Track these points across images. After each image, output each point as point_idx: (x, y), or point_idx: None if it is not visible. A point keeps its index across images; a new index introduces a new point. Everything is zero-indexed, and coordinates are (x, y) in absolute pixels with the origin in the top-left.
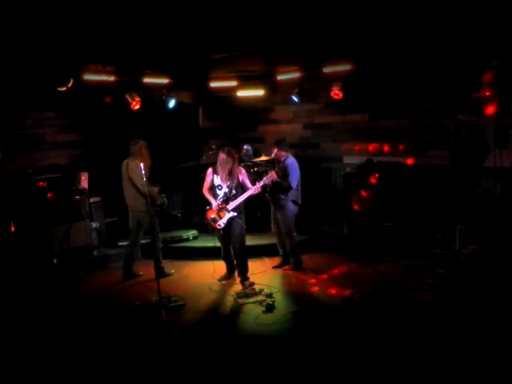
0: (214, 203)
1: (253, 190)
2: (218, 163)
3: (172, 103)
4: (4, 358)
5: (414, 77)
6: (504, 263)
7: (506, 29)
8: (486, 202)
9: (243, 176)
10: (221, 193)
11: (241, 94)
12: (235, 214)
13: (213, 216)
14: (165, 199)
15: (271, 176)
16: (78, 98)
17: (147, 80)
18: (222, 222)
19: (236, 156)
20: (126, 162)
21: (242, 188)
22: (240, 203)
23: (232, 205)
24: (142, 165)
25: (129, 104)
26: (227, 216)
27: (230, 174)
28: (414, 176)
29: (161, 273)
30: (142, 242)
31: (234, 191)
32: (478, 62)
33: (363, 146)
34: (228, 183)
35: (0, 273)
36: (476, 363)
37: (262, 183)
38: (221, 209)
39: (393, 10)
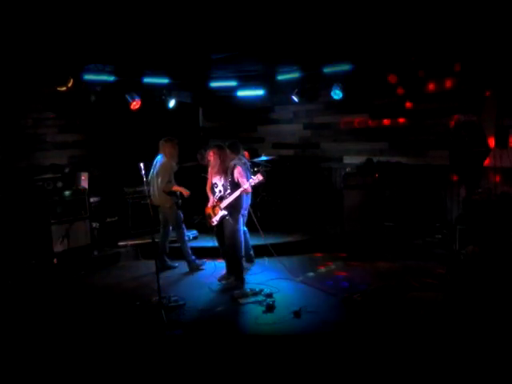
0: (211, 200)
1: (241, 188)
2: (210, 162)
3: (172, 103)
4: (4, 357)
5: (413, 76)
6: (504, 263)
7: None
8: (486, 201)
9: (239, 174)
10: (217, 191)
11: (241, 93)
12: (226, 212)
13: (208, 213)
14: None
15: (257, 178)
16: (78, 97)
17: (147, 80)
18: (215, 219)
19: (227, 153)
20: (156, 158)
21: (237, 186)
22: (231, 202)
23: (224, 203)
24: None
25: (129, 104)
26: (220, 214)
27: (219, 172)
28: (414, 176)
29: (164, 265)
30: (143, 242)
31: (228, 190)
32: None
33: (363, 146)
34: (222, 181)
35: (0, 273)
36: (476, 363)
37: (251, 182)
38: (215, 206)
39: (392, 10)
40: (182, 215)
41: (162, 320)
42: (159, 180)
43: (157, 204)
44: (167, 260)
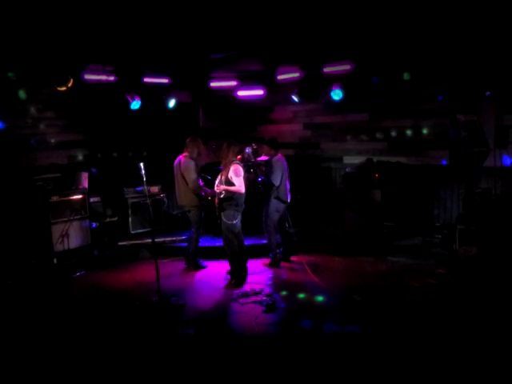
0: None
1: (234, 188)
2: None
3: (172, 103)
4: (5, 357)
5: (414, 77)
6: (504, 263)
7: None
8: (486, 201)
9: (233, 173)
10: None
11: (241, 93)
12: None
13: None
14: (165, 199)
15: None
16: (77, 97)
17: (147, 80)
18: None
19: (236, 150)
20: (179, 158)
21: (231, 184)
22: (221, 192)
23: (216, 189)
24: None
25: (128, 104)
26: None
27: (223, 167)
28: (414, 176)
29: (195, 263)
30: (143, 242)
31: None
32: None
33: (363, 145)
34: (223, 174)
35: (0, 273)
36: (476, 362)
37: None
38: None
39: (393, 10)
40: (203, 216)
41: (163, 320)
42: (187, 180)
43: (182, 204)
44: (199, 260)
